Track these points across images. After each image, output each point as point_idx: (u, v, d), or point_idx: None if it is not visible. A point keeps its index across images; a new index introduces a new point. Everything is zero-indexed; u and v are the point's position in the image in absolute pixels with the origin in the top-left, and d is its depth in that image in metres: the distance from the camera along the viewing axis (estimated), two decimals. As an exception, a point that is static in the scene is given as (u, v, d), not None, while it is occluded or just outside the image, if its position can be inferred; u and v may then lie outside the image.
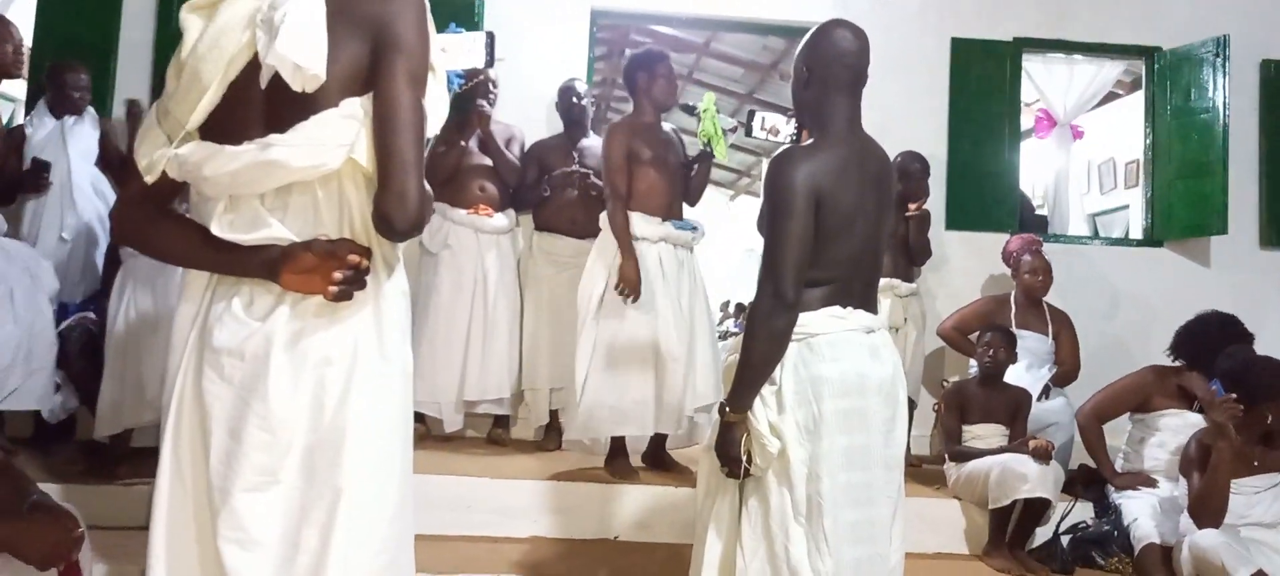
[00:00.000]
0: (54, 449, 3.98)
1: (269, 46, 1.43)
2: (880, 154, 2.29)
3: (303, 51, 1.43)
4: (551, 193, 4.50)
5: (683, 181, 4.00)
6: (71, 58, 4.59)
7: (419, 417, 4.54)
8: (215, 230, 1.50)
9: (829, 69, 2.22)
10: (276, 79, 1.45)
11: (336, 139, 1.46)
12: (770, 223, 2.12)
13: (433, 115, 1.55)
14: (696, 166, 4.03)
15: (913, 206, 4.55)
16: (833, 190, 2.11)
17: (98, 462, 3.70)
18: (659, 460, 4.03)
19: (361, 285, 1.48)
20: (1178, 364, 3.99)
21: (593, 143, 4.68)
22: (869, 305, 2.25)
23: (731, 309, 12.28)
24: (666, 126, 4.07)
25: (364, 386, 1.49)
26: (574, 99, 4.67)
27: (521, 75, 4.93)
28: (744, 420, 2.12)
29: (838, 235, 2.13)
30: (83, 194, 4.38)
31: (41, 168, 4.07)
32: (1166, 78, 5.42)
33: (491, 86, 4.51)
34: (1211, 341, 3.83)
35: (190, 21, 1.53)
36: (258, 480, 1.45)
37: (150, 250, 1.71)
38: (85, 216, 4.38)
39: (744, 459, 2.12)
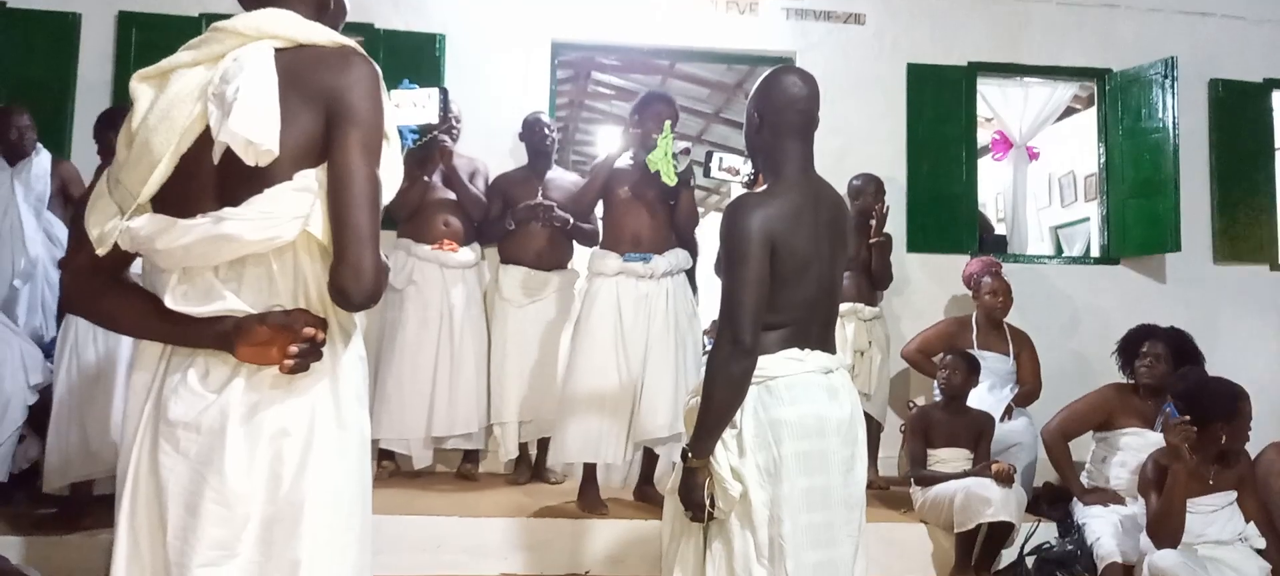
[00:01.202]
0: (16, 499, 3.93)
1: (222, 122, 1.43)
2: (834, 197, 2.32)
3: (256, 127, 1.43)
4: (516, 226, 4.51)
5: (660, 214, 3.98)
6: (28, 99, 4.55)
7: (388, 454, 4.53)
8: (169, 303, 1.49)
9: (780, 115, 2.25)
10: (229, 151, 1.45)
11: (290, 212, 1.46)
12: (727, 270, 2.14)
13: (387, 183, 1.56)
14: (677, 199, 4.00)
15: (873, 233, 4.62)
16: (787, 235, 2.14)
17: (61, 513, 3.66)
18: (646, 495, 4.04)
19: (317, 357, 1.48)
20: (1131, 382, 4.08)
21: (557, 175, 4.71)
22: (826, 346, 2.28)
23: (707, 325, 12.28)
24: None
25: (321, 457, 1.49)
26: (545, 131, 4.68)
27: (484, 108, 4.95)
28: (706, 465, 2.14)
29: (794, 279, 2.16)
30: (33, 239, 4.35)
31: None
32: (1118, 98, 5.54)
33: (454, 121, 4.52)
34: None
35: (141, 90, 1.52)
36: (214, 554, 1.44)
37: (102, 321, 1.69)
38: (38, 258, 4.34)
39: (707, 503, 2.14)
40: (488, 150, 4.84)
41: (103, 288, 1.58)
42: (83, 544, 3.45)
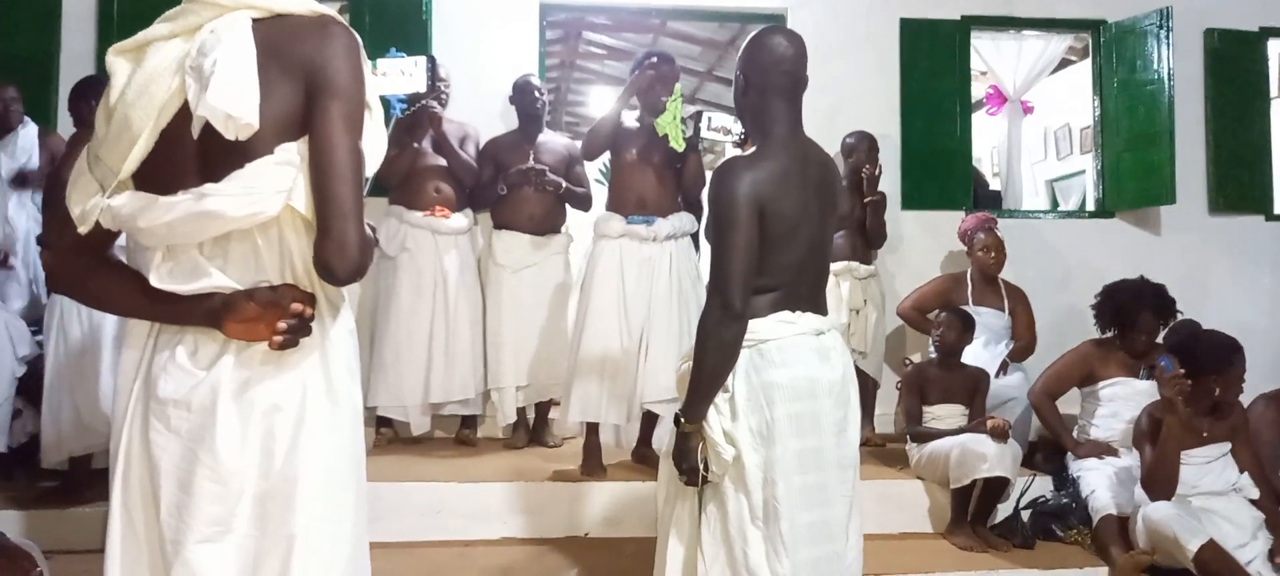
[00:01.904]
0: (16, 473, 3.94)
1: (200, 96, 1.42)
2: (822, 157, 2.31)
3: (234, 100, 1.41)
4: (508, 190, 4.48)
5: (666, 177, 3.94)
6: (12, 72, 4.51)
7: (386, 421, 4.55)
8: (154, 281, 1.48)
9: (766, 76, 2.23)
10: (210, 126, 1.43)
11: (273, 186, 1.45)
12: (715, 234, 2.14)
13: (371, 155, 1.54)
14: (684, 162, 3.94)
15: (867, 191, 4.61)
16: (776, 198, 2.13)
17: (62, 487, 3.68)
18: (644, 457, 4.04)
19: (307, 332, 1.48)
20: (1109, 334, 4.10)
21: (549, 138, 4.67)
22: (818, 307, 2.28)
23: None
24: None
25: (314, 432, 1.49)
26: (535, 94, 4.63)
27: (473, 72, 4.90)
28: (699, 429, 2.15)
29: (783, 242, 2.15)
30: (19, 210, 4.34)
31: None
32: (1113, 50, 5.49)
33: (443, 86, 4.48)
34: (1132, 309, 3.96)
35: (117, 65, 1.50)
36: (210, 531, 1.45)
37: (88, 301, 1.68)
38: (21, 231, 4.33)
39: (701, 466, 2.16)
40: (478, 114, 4.79)
41: (87, 267, 1.57)
42: (85, 516, 3.47)
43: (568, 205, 4.62)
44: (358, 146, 1.49)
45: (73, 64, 4.78)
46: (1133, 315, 3.94)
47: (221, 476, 1.45)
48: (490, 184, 4.53)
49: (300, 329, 1.47)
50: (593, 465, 3.92)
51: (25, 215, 4.44)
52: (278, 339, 1.44)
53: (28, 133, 4.46)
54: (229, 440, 1.45)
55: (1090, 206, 5.88)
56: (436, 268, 4.41)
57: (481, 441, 4.63)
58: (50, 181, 3.87)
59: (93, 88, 3.79)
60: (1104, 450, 3.87)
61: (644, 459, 4.02)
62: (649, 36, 9.98)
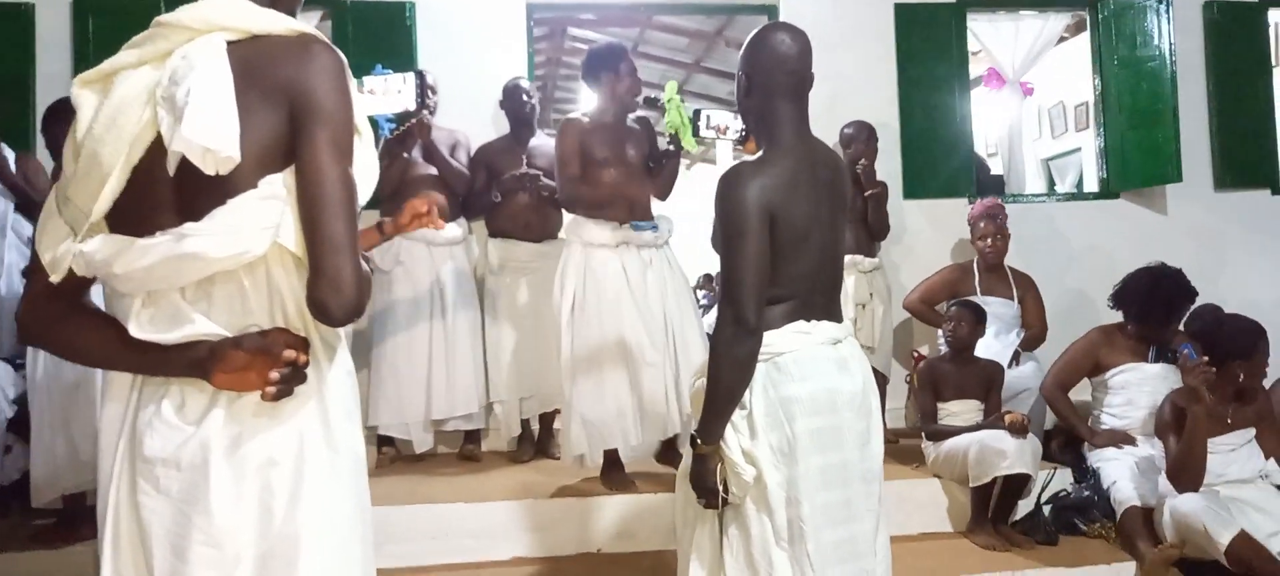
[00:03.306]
0: (11, 510, 3.83)
1: (174, 129, 1.30)
2: (831, 158, 2.23)
3: (212, 132, 1.30)
4: (503, 197, 4.39)
5: (645, 178, 3.81)
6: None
7: (388, 440, 4.45)
8: (133, 331, 1.37)
9: (770, 76, 2.14)
10: (186, 160, 1.32)
11: (258, 222, 1.34)
12: (725, 245, 2.04)
13: (362, 182, 1.43)
14: (664, 160, 3.83)
15: (866, 183, 4.51)
16: (786, 204, 2.04)
17: (58, 525, 3.57)
18: (670, 459, 3.83)
19: (301, 379, 1.37)
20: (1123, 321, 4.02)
21: (542, 142, 4.57)
22: (832, 315, 2.19)
23: (699, 279, 12.18)
24: (631, 118, 3.90)
25: (314, 485, 1.39)
26: (524, 97, 4.53)
27: (460, 76, 4.78)
28: (717, 449, 2.06)
29: (795, 249, 2.06)
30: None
31: None
32: (1111, 26, 5.39)
33: (431, 92, 4.36)
34: (1153, 297, 3.85)
35: (83, 97, 1.38)
36: None
37: (63, 353, 1.56)
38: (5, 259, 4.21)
39: (720, 488, 2.06)
40: (467, 120, 4.68)
41: (60, 316, 1.45)
42: (81, 554, 3.35)
43: (563, 210, 4.50)
44: (348, 174, 1.38)
45: (48, 85, 4.64)
46: (1153, 303, 3.83)
47: (217, 540, 1.34)
48: (484, 191, 4.44)
49: (294, 377, 1.36)
50: (619, 479, 3.74)
51: (8, 245, 4.31)
52: (270, 390, 1.34)
53: (3, 157, 4.33)
54: (223, 500, 1.34)
55: (1091, 186, 5.79)
56: (433, 280, 4.32)
57: (486, 455, 4.53)
58: (30, 209, 3.75)
59: (64, 111, 3.66)
60: (1121, 439, 3.79)
61: (670, 460, 3.78)
62: (635, 30, 9.88)
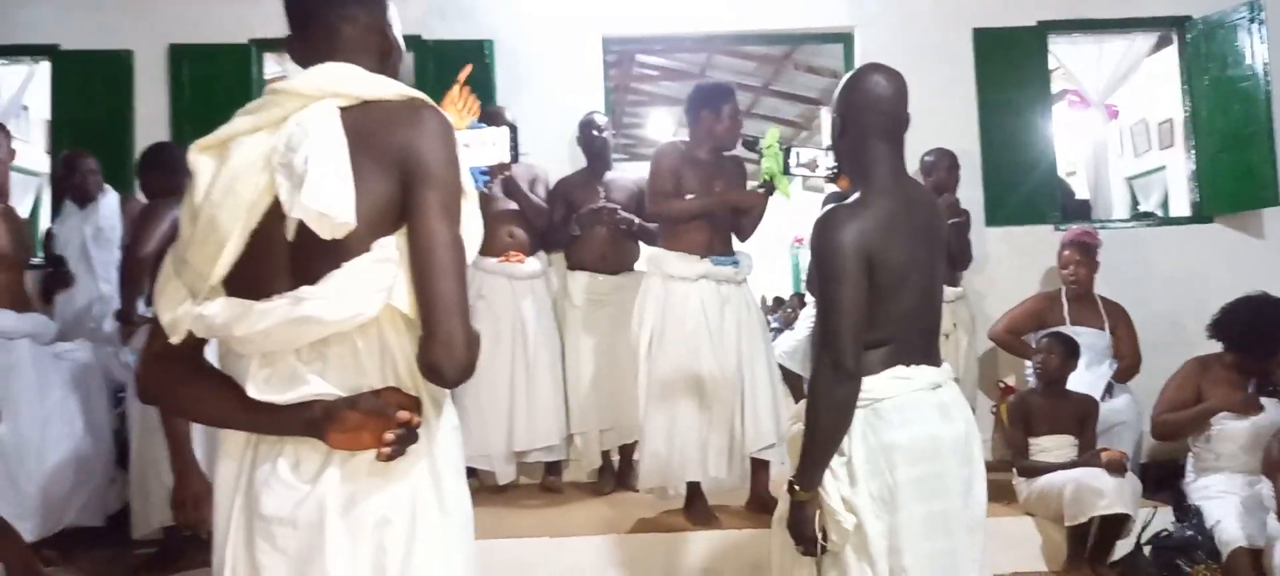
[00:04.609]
0: (113, 541, 3.94)
1: (293, 196, 1.34)
2: (928, 199, 2.20)
3: (330, 199, 1.33)
4: (581, 231, 4.42)
5: (731, 215, 3.82)
6: (89, 140, 4.59)
7: (471, 472, 4.48)
8: (251, 392, 1.40)
9: (864, 117, 2.12)
10: (302, 224, 1.35)
11: (372, 285, 1.36)
12: (822, 289, 2.02)
13: (470, 241, 1.45)
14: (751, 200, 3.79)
15: (948, 214, 4.42)
16: (883, 247, 2.01)
17: (157, 555, 3.67)
18: (762, 504, 3.79)
19: (414, 439, 1.39)
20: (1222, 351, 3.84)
21: (617, 175, 4.62)
22: (931, 358, 2.15)
23: (769, 302, 12.11)
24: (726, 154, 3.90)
25: (426, 544, 1.41)
26: (594, 132, 4.58)
27: (538, 112, 4.84)
28: (816, 497, 2.03)
29: (893, 292, 2.03)
30: (105, 274, 4.39)
31: (58, 263, 4.08)
32: (1200, 46, 5.24)
33: (511, 129, 4.41)
34: (1254, 327, 3.69)
35: (200, 162, 1.42)
36: None
37: (181, 412, 1.61)
38: (109, 296, 4.37)
39: (819, 536, 2.03)
40: (545, 154, 4.73)
41: (180, 378, 1.49)
42: (185, 585, 3.45)
43: (641, 242, 4.51)
44: (458, 236, 1.40)
45: (146, 128, 4.85)
46: (1254, 334, 3.68)
47: None
48: (562, 225, 4.48)
49: (408, 437, 1.38)
50: (702, 513, 3.75)
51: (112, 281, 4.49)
52: (386, 450, 1.35)
53: (109, 201, 4.51)
54: (339, 559, 1.36)
55: (1181, 208, 5.59)
56: (514, 314, 4.37)
57: (567, 486, 4.56)
58: (126, 255, 3.89)
59: (160, 157, 3.80)
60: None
61: (763, 505, 3.76)
62: (703, 56, 9.91)
